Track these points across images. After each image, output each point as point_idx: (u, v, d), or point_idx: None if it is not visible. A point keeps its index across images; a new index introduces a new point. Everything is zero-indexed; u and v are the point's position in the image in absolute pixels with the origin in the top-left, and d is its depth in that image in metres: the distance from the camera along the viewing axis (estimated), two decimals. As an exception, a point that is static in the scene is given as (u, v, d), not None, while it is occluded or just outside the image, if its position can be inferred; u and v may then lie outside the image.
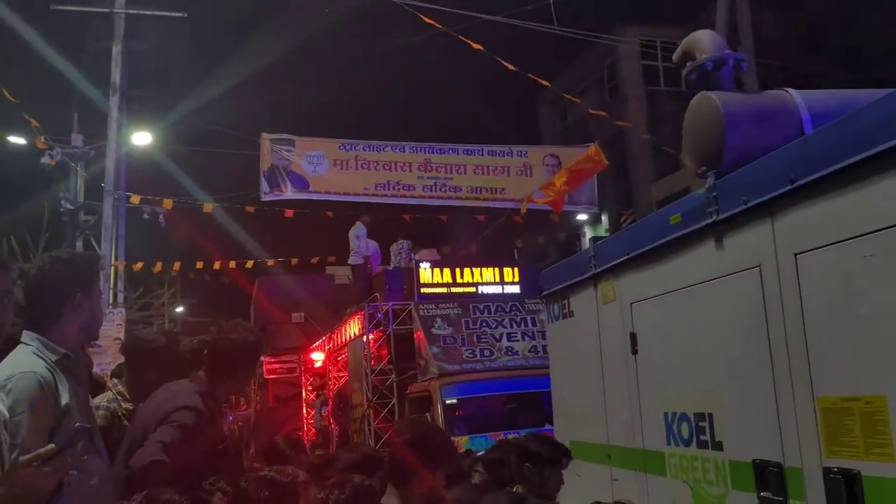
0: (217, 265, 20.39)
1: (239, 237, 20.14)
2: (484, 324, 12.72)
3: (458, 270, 14.12)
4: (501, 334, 12.60)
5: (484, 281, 14.09)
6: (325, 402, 17.48)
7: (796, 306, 3.29)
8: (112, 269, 17.84)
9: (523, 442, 4.67)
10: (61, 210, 19.03)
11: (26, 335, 3.09)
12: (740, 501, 3.71)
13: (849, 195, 3.01)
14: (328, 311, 18.52)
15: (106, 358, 12.01)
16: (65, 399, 2.96)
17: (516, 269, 14.51)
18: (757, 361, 3.56)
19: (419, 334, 12.66)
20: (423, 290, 13.69)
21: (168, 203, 18.52)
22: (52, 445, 2.45)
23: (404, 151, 17.66)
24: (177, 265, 20.73)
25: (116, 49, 17.02)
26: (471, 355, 12.15)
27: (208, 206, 18.69)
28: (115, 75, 16.87)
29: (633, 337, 4.81)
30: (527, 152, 18.95)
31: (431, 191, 17.61)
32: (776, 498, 3.44)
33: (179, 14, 17.82)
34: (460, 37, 14.78)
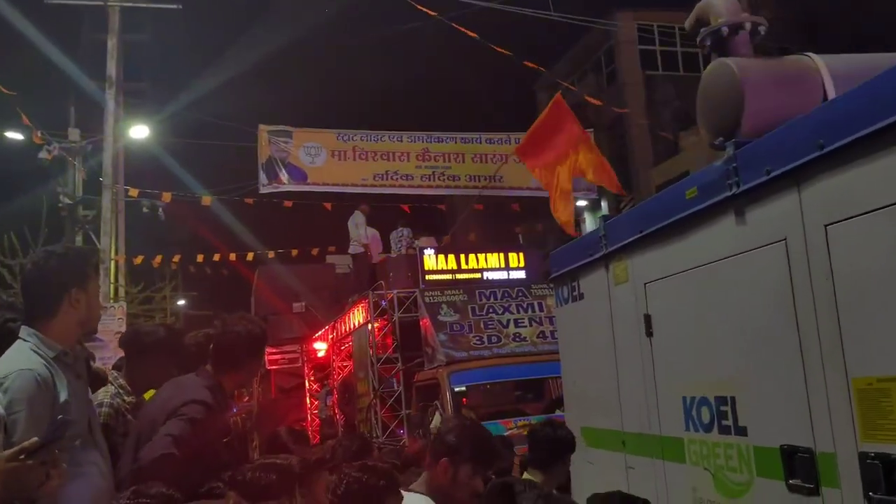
0: (217, 258, 20.32)
1: (238, 229, 20.09)
2: (490, 310, 12.57)
3: (462, 256, 14.00)
4: (508, 320, 12.43)
5: (489, 267, 13.95)
6: (330, 392, 17.36)
7: (827, 281, 3.08)
8: (112, 263, 17.77)
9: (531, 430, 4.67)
10: (60, 205, 18.96)
11: (24, 331, 3.06)
12: (767, 489, 3.51)
13: (884, 160, 2.79)
14: (329, 300, 18.43)
15: (107, 352, 11.92)
16: (63, 395, 2.95)
17: (521, 255, 14.36)
18: (783, 341, 3.35)
19: (425, 322, 12.50)
20: (427, 276, 13.57)
21: (167, 196, 18.50)
22: (35, 439, 2.45)
23: (402, 141, 17.56)
24: (176, 258, 20.64)
25: (112, 42, 16.98)
26: (478, 342, 12.00)
27: (207, 199, 18.67)
28: (111, 68, 16.84)
29: (648, 318, 4.60)
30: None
31: (430, 180, 17.55)
32: (806, 485, 3.24)
33: (174, 6, 17.75)
34: (454, 25, 14.64)
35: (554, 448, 4.50)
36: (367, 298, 13.56)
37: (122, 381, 4.33)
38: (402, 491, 3.13)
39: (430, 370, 11.95)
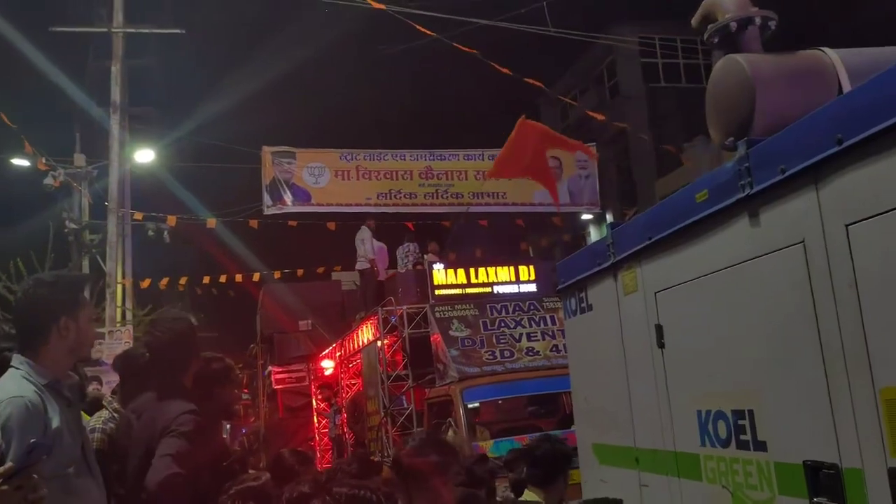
0: (223, 279, 20.29)
1: (244, 250, 20.08)
2: (502, 324, 12.41)
3: (472, 270, 13.86)
4: (521, 334, 12.27)
5: (499, 280, 13.80)
6: (339, 411, 17.19)
7: (850, 285, 2.88)
8: (119, 286, 17.76)
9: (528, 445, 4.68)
10: (65, 230, 19.03)
11: (16, 359, 3.11)
12: (790, 508, 3.30)
13: (910, 153, 2.60)
14: (336, 317, 18.32)
15: (114, 376, 11.77)
16: (55, 422, 2.98)
17: (532, 267, 14.20)
18: (804, 349, 3.15)
19: (436, 337, 12.33)
20: (437, 291, 13.41)
21: (172, 220, 18.54)
22: (10, 464, 2.47)
23: (405, 159, 17.70)
24: (183, 280, 20.63)
25: (116, 68, 17.16)
26: (491, 357, 11.82)
27: (212, 222, 18.69)
28: (116, 94, 17.02)
29: (659, 329, 4.39)
30: None
31: (433, 198, 17.66)
32: (832, 503, 3.03)
33: (177, 31, 17.90)
34: (454, 44, 14.63)
35: (554, 464, 4.43)
36: (376, 315, 13.42)
37: (116, 405, 4.38)
38: None
39: (443, 386, 11.78)
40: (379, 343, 13.28)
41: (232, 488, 3.21)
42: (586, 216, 22.05)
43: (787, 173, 3.16)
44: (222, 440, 4.12)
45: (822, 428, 3.07)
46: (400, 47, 18.15)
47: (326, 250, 21.01)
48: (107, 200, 17.12)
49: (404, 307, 13.12)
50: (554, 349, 11.85)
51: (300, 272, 20.82)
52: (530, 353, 11.95)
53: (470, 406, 10.89)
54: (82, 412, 4.10)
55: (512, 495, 4.64)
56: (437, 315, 12.48)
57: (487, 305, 12.69)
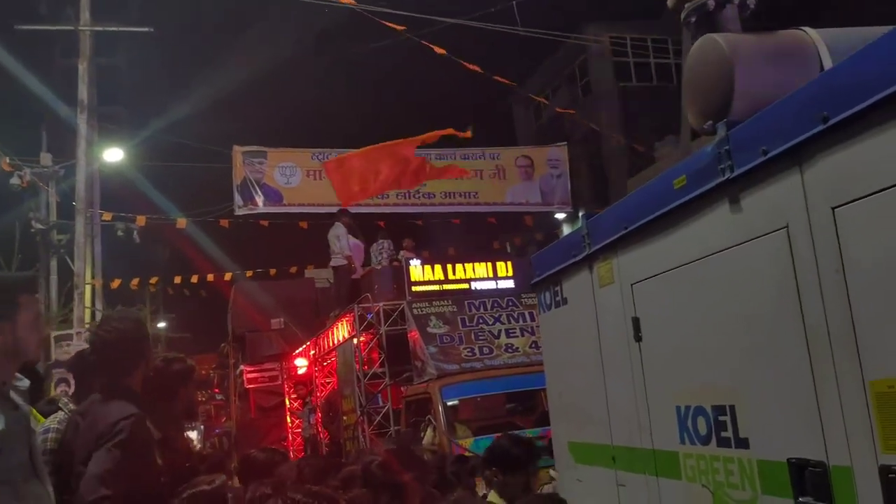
0: (195, 279, 20.09)
1: (216, 250, 19.88)
2: (480, 320, 12.35)
3: (449, 266, 13.77)
4: (500, 331, 12.23)
5: (477, 276, 13.73)
6: (313, 411, 16.99)
7: (837, 271, 2.72)
8: (87, 287, 17.52)
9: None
10: (32, 230, 18.78)
11: None
12: (774, 508, 3.15)
13: (900, 130, 2.44)
14: (309, 315, 18.12)
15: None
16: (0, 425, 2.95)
17: (510, 263, 14.16)
18: (788, 341, 2.99)
19: (414, 334, 12.22)
20: (414, 287, 13.32)
21: (141, 220, 18.34)
22: None
23: (376, 159, 17.51)
24: (153, 280, 20.40)
25: (83, 66, 17.02)
26: (469, 354, 11.74)
27: (182, 222, 18.50)
28: (83, 92, 16.88)
29: (636, 322, 4.23)
30: (499, 154, 19.27)
31: (405, 198, 17.47)
32: (819, 503, 2.88)
33: (146, 29, 17.75)
34: (423, 42, 14.54)
35: (508, 463, 4.45)
36: (351, 312, 13.25)
37: (72, 406, 4.27)
38: None
39: (421, 384, 11.66)
40: (355, 340, 13.13)
41: (185, 491, 3.15)
42: (559, 215, 22.06)
43: (768, 155, 3.00)
44: (184, 441, 3.97)
45: (808, 424, 2.92)
46: (371, 45, 18.01)
47: (299, 248, 20.88)
48: (74, 200, 16.85)
49: (381, 304, 12.97)
50: (533, 346, 11.77)
51: (273, 272, 20.63)
52: (509, 350, 11.90)
53: (449, 403, 10.79)
54: (37, 415, 4.07)
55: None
56: (415, 311, 12.38)
57: (465, 302, 12.61)
